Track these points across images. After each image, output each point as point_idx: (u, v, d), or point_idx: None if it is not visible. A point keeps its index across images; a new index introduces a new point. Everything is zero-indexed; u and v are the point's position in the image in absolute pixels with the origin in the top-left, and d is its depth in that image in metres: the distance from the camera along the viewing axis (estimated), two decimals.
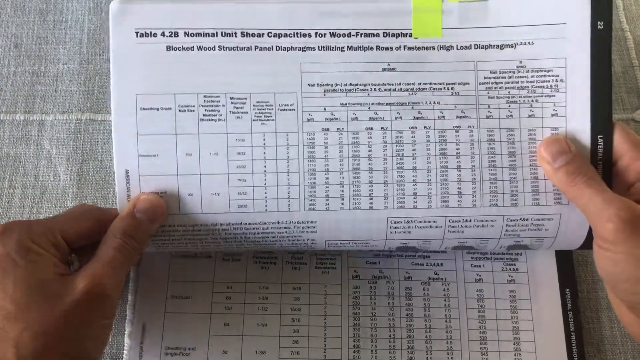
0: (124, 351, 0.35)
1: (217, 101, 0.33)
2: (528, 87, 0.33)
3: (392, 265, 0.37)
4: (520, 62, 0.33)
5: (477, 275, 0.37)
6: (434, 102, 0.33)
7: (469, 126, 0.33)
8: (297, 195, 0.33)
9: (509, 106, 0.33)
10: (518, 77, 0.33)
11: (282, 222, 0.33)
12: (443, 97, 0.33)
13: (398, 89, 0.33)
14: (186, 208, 0.33)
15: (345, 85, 0.33)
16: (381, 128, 0.33)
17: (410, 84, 0.33)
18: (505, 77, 0.33)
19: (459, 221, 0.33)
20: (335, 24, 0.33)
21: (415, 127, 0.33)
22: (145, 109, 0.32)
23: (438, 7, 0.33)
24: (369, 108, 0.33)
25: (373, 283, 0.37)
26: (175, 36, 0.32)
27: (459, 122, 0.33)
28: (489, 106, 0.33)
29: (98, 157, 0.39)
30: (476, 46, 0.33)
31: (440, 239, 0.33)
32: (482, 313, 0.36)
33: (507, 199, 0.32)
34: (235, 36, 0.33)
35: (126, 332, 0.35)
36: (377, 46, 0.33)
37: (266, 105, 0.33)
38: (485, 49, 0.33)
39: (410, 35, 0.33)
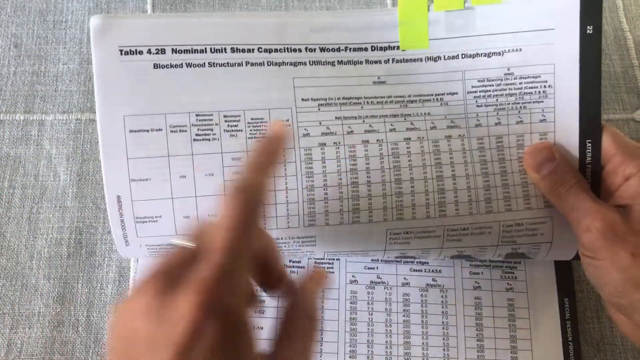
0: None
1: (210, 120, 0.34)
2: (516, 94, 0.35)
3: (390, 271, 0.40)
4: (508, 69, 0.35)
5: (476, 282, 0.40)
6: (425, 113, 0.36)
7: (459, 135, 0.36)
8: (296, 212, 0.34)
9: (497, 113, 0.36)
10: (506, 84, 0.35)
11: (281, 238, 0.35)
12: (433, 108, 0.36)
13: (390, 102, 0.35)
14: (183, 230, 0.34)
15: (338, 99, 0.35)
16: (377, 140, 0.35)
17: (400, 96, 0.36)
18: (493, 85, 0.35)
19: (457, 230, 0.35)
20: (324, 39, 0.35)
21: (410, 138, 0.35)
22: (135, 130, 0.33)
23: (424, 18, 0.35)
24: (364, 121, 0.35)
25: (371, 288, 0.39)
26: (162, 53, 0.33)
27: (450, 131, 0.36)
28: (477, 115, 0.36)
29: (98, 157, 0.42)
30: (463, 55, 0.35)
31: (439, 248, 0.36)
32: (480, 321, 0.39)
33: (501, 205, 0.35)
34: (225, 52, 0.34)
35: None
36: (366, 60, 0.35)
37: (261, 122, 0.34)
38: (473, 57, 0.35)
39: (398, 48, 0.36)
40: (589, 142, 0.34)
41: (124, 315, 0.21)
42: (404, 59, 0.36)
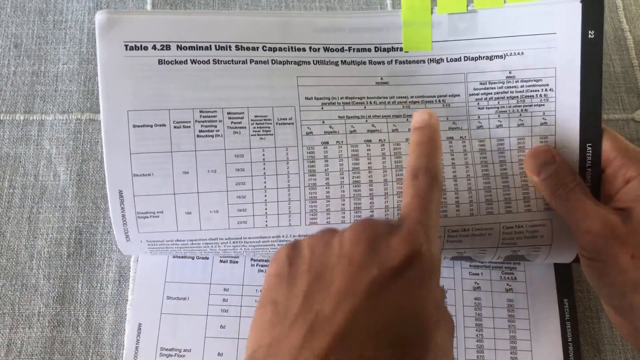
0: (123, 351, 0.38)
1: (214, 116, 0.34)
2: (517, 96, 0.36)
3: None
4: (510, 72, 0.36)
5: (475, 283, 0.40)
6: None
7: (461, 137, 0.36)
8: (298, 210, 0.35)
9: (499, 116, 0.36)
10: (507, 87, 0.36)
11: (283, 236, 0.35)
12: (435, 109, 0.36)
13: (392, 102, 0.36)
14: (184, 226, 0.34)
15: (342, 98, 0.36)
16: (379, 140, 0.35)
17: (403, 97, 0.36)
18: (494, 88, 0.36)
19: (458, 230, 0.35)
20: (328, 39, 0.35)
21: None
22: (138, 126, 0.33)
23: (428, 20, 0.36)
24: (366, 121, 0.36)
25: None
26: (167, 49, 0.33)
27: (451, 133, 0.36)
28: (479, 117, 0.36)
29: (98, 157, 0.43)
30: (466, 58, 0.36)
31: (440, 249, 0.35)
32: (480, 321, 0.39)
33: (501, 207, 0.35)
34: (230, 49, 0.34)
35: (126, 332, 0.38)
36: (369, 60, 0.36)
37: (264, 120, 0.35)
38: (475, 60, 0.36)
39: (401, 49, 0.36)
40: (589, 146, 0.35)
41: (342, 240, 0.27)
42: (406, 60, 0.36)
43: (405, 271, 0.26)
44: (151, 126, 0.34)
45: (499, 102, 0.36)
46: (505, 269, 0.41)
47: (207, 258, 0.40)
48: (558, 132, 0.35)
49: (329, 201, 0.35)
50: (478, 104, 0.36)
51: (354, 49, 0.36)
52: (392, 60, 0.36)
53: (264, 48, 0.35)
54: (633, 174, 0.32)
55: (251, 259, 0.40)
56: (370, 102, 0.36)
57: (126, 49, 0.33)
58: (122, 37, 0.33)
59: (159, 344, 0.38)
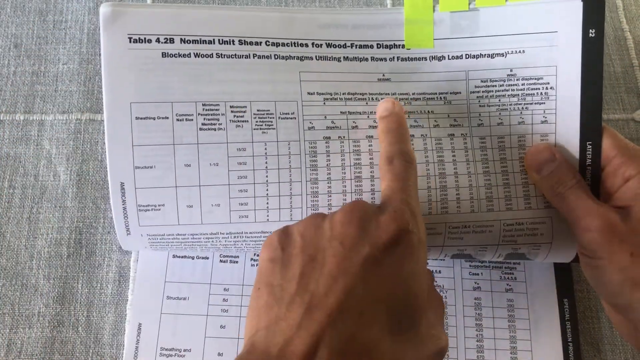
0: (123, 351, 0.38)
1: (217, 110, 0.34)
2: (518, 94, 0.36)
3: None
4: (511, 70, 0.36)
5: (475, 283, 0.40)
6: (429, 111, 0.36)
7: (462, 134, 0.36)
8: (300, 204, 0.35)
9: (500, 114, 0.36)
10: (509, 85, 0.36)
11: None
12: (436, 107, 0.36)
13: (394, 98, 0.36)
14: (185, 219, 0.34)
15: (344, 94, 0.36)
16: None
17: (404, 94, 0.36)
18: (495, 86, 0.36)
19: (459, 227, 0.35)
20: (331, 35, 0.36)
21: (413, 135, 0.36)
22: (141, 118, 0.34)
23: (430, 18, 0.36)
24: (368, 116, 0.36)
25: None
26: (171, 42, 0.34)
27: (452, 130, 0.36)
28: (479, 114, 0.36)
29: (98, 157, 0.43)
30: (467, 56, 0.36)
31: (440, 246, 0.36)
32: (480, 321, 0.39)
33: (502, 204, 0.36)
34: (233, 44, 0.34)
35: (126, 332, 0.38)
36: (371, 57, 0.36)
37: (267, 114, 0.35)
38: (476, 58, 0.36)
39: (403, 46, 0.36)
40: (589, 144, 0.35)
41: (332, 222, 0.28)
42: (408, 58, 0.36)
43: (395, 247, 0.27)
44: (154, 118, 0.34)
45: (500, 100, 0.36)
46: (505, 269, 0.41)
47: (207, 258, 0.40)
48: (558, 130, 0.36)
49: (330, 196, 0.35)
50: (479, 101, 0.36)
51: (356, 46, 0.36)
52: (394, 57, 0.36)
53: (267, 43, 0.35)
54: (632, 173, 0.32)
55: (251, 259, 0.40)
56: (372, 98, 0.36)
57: (130, 42, 0.33)
58: (126, 30, 0.33)
59: (159, 344, 0.38)
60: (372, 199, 0.35)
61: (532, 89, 0.36)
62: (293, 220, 0.35)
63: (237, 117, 0.35)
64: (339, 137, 0.35)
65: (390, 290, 0.26)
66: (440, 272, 0.40)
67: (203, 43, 0.34)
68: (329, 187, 0.35)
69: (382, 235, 0.27)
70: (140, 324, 0.38)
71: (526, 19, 0.35)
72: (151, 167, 0.34)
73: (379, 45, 0.36)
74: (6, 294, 0.39)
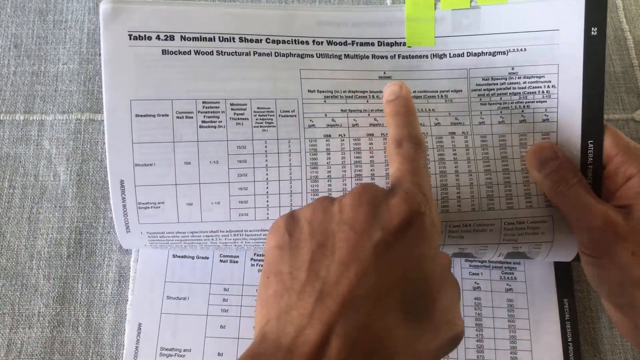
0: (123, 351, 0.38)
1: (217, 107, 0.34)
2: (520, 93, 0.36)
3: None
4: (512, 68, 0.36)
5: (475, 283, 0.40)
6: (429, 110, 0.36)
7: (463, 132, 0.36)
8: (300, 202, 0.35)
9: (501, 112, 0.36)
10: (510, 83, 0.36)
11: None
12: (437, 105, 0.36)
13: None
14: (185, 217, 0.34)
15: (344, 92, 0.36)
16: (381, 134, 0.36)
17: None
18: (497, 84, 0.36)
19: (459, 226, 0.35)
20: (332, 33, 0.36)
21: None
22: (141, 115, 0.33)
23: (431, 16, 0.36)
24: (369, 114, 0.36)
25: None
26: (171, 40, 0.34)
27: (453, 128, 0.36)
28: (481, 112, 0.36)
29: (98, 157, 0.43)
30: (469, 54, 0.36)
31: (441, 245, 0.36)
32: (480, 321, 0.39)
33: (503, 203, 0.35)
34: (234, 41, 0.34)
35: (126, 332, 0.38)
36: (372, 55, 0.36)
37: (267, 112, 0.35)
38: (478, 56, 0.36)
39: (404, 44, 0.36)
40: (590, 143, 0.35)
41: (341, 206, 0.27)
42: (409, 55, 0.36)
43: (407, 231, 0.26)
44: (154, 116, 0.34)
45: (501, 98, 0.36)
46: (505, 269, 0.41)
47: (207, 258, 0.40)
48: (560, 129, 0.35)
49: (331, 194, 0.35)
50: (480, 99, 0.36)
51: (357, 43, 0.36)
52: (395, 55, 0.36)
53: (268, 40, 0.35)
54: (634, 171, 0.32)
55: (251, 259, 0.40)
56: (372, 96, 0.36)
57: (130, 39, 0.33)
58: (126, 27, 0.33)
59: (159, 344, 0.38)
60: None
61: (533, 87, 0.36)
62: None
63: (238, 114, 0.35)
64: (339, 135, 0.35)
65: (403, 275, 0.26)
66: None
67: (203, 40, 0.34)
68: (330, 185, 0.35)
69: (393, 218, 0.26)
70: (140, 324, 0.38)
71: (528, 17, 0.35)
72: (151, 165, 0.34)
73: (379, 43, 0.36)
74: (6, 294, 0.39)
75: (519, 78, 0.36)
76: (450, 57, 0.36)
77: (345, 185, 0.35)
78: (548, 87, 0.36)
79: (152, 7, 0.34)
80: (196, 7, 0.35)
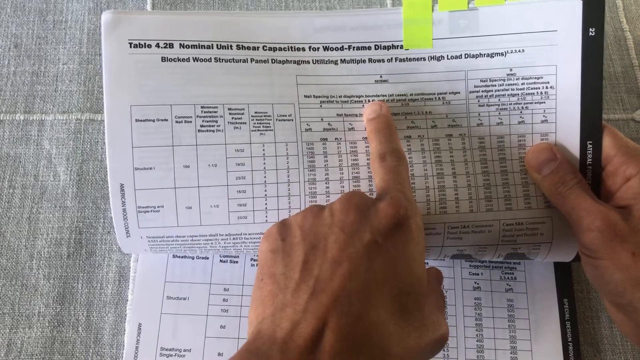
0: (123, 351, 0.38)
1: (215, 112, 0.35)
2: (518, 94, 0.36)
3: None
4: (511, 69, 0.36)
5: (475, 283, 0.40)
6: (426, 112, 0.36)
7: (460, 134, 0.36)
8: (298, 205, 0.35)
9: (499, 113, 0.36)
10: (508, 84, 0.36)
11: None
12: (435, 107, 0.36)
13: (391, 100, 0.36)
14: (184, 221, 0.35)
15: (340, 97, 0.36)
16: None
17: (402, 95, 0.36)
18: (495, 85, 0.36)
19: (458, 227, 0.35)
20: (328, 38, 0.36)
21: (410, 136, 0.36)
22: (140, 120, 0.34)
23: (428, 17, 0.36)
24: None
25: None
26: (170, 47, 0.34)
27: (450, 130, 0.36)
28: (479, 114, 0.36)
29: (98, 157, 0.43)
30: (466, 55, 0.36)
31: (440, 247, 0.36)
32: (480, 321, 0.39)
33: (501, 204, 0.35)
34: (231, 49, 0.35)
35: (126, 332, 0.38)
36: (369, 59, 0.36)
37: (264, 116, 0.35)
38: (476, 58, 0.36)
39: (402, 47, 0.36)
40: (589, 143, 0.35)
41: (331, 210, 0.28)
42: (407, 58, 0.36)
43: (396, 233, 0.27)
44: (153, 121, 0.34)
45: (499, 100, 0.36)
46: (505, 269, 0.41)
47: (207, 258, 0.40)
48: (559, 130, 0.35)
49: (328, 196, 0.35)
50: (479, 101, 0.36)
51: (354, 47, 0.36)
52: (392, 58, 0.36)
53: (265, 48, 0.35)
54: (633, 172, 0.32)
55: (251, 259, 0.40)
56: (368, 100, 0.36)
57: (130, 47, 0.34)
58: (126, 36, 0.34)
59: (159, 344, 0.38)
60: None
61: (532, 89, 0.36)
62: None
63: (235, 119, 0.35)
64: (335, 138, 0.36)
65: (393, 273, 0.27)
66: None
67: (202, 48, 0.35)
68: (327, 187, 0.35)
69: (382, 221, 0.27)
70: (140, 324, 0.38)
71: (526, 18, 0.35)
72: (151, 169, 0.34)
73: (376, 47, 0.36)
74: (6, 294, 0.39)
75: (517, 79, 0.36)
76: (447, 59, 0.36)
77: (343, 187, 0.35)
78: (546, 88, 0.36)
79: (152, 16, 0.35)
80: (194, 16, 0.35)
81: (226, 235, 0.35)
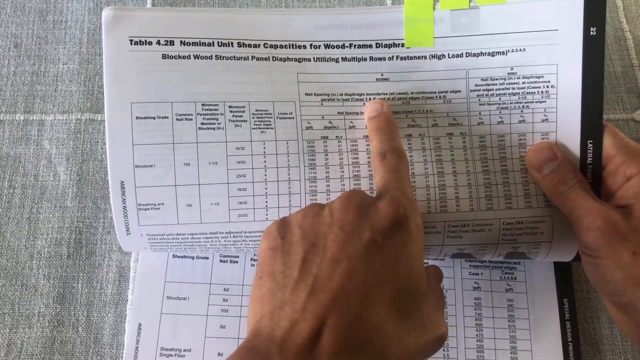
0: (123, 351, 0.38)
1: (216, 109, 0.35)
2: (519, 93, 0.36)
3: None
4: (512, 68, 0.36)
5: (475, 283, 0.40)
6: (427, 111, 0.36)
7: (461, 133, 0.36)
8: (299, 203, 0.35)
9: (500, 112, 0.36)
10: (509, 83, 0.36)
11: None
12: (435, 105, 0.36)
13: (392, 98, 0.36)
14: (185, 218, 0.35)
15: (341, 95, 0.36)
16: None
17: (403, 93, 0.36)
18: (496, 84, 0.36)
19: (458, 226, 0.35)
20: (329, 36, 0.36)
21: (411, 135, 0.36)
22: (141, 117, 0.34)
23: (430, 16, 0.36)
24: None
25: None
26: (171, 45, 0.34)
27: (451, 129, 0.36)
28: (480, 113, 0.36)
29: (98, 157, 0.43)
30: (467, 54, 0.36)
31: (440, 245, 0.36)
32: (480, 321, 0.39)
33: (501, 203, 0.36)
34: (232, 46, 0.35)
35: (126, 332, 0.38)
36: (370, 57, 0.36)
37: (265, 114, 0.35)
38: (477, 56, 0.36)
39: (403, 45, 0.36)
40: (590, 143, 0.35)
41: (331, 209, 0.28)
42: (408, 56, 0.36)
43: (395, 232, 0.27)
44: (154, 118, 0.34)
45: (500, 99, 0.36)
46: (505, 269, 0.41)
47: (207, 258, 0.40)
48: (559, 129, 0.36)
49: (329, 194, 0.35)
50: (479, 100, 0.36)
51: (355, 45, 0.36)
52: (393, 56, 0.36)
53: (266, 45, 0.35)
54: (634, 171, 0.32)
55: (251, 259, 0.40)
56: (369, 98, 0.36)
57: (131, 44, 0.34)
58: (127, 33, 0.34)
59: (159, 344, 0.38)
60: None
61: (532, 88, 0.36)
62: None
63: (236, 116, 0.35)
64: (336, 136, 0.36)
65: (392, 272, 0.27)
66: None
67: (202, 45, 0.35)
68: (328, 185, 0.35)
69: (381, 220, 0.27)
70: (140, 324, 0.38)
71: (527, 17, 0.35)
72: (151, 166, 0.34)
73: (378, 45, 0.36)
74: (6, 294, 0.39)
75: (518, 78, 0.36)
76: (449, 57, 0.36)
77: (344, 185, 0.35)
78: (547, 87, 0.36)
79: (153, 13, 0.35)
80: (195, 14, 0.35)
81: (226, 233, 0.35)
